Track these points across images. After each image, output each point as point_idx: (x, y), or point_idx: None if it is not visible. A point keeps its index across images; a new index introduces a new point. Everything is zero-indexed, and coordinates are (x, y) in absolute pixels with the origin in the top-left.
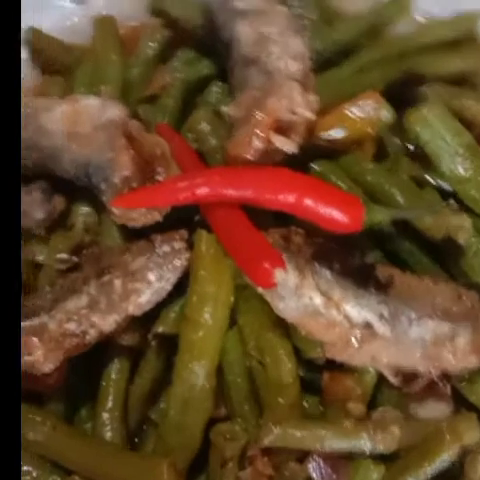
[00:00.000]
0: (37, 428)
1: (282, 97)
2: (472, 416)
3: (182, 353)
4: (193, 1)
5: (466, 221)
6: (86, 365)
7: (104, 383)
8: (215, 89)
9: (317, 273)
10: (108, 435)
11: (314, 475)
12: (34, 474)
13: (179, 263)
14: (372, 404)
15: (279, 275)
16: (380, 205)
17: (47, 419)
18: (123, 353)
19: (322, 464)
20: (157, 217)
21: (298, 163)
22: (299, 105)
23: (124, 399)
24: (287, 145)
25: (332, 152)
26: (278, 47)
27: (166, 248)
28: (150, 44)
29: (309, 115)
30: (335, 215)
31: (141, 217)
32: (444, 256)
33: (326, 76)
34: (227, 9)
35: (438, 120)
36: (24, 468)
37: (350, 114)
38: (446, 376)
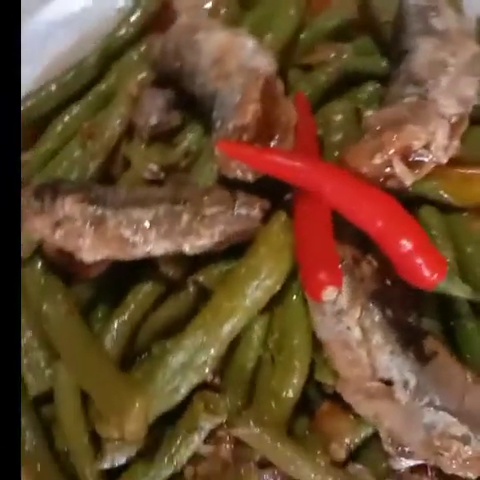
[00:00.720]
0: (53, 304)
1: (425, 130)
2: None
3: (207, 311)
4: None
5: None
6: (122, 275)
7: (129, 298)
8: (370, 89)
9: (368, 310)
10: (109, 344)
11: None
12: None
13: (247, 229)
14: (355, 454)
15: (330, 293)
16: (466, 280)
17: (66, 301)
18: (159, 280)
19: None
20: (249, 177)
21: (406, 200)
22: (438, 145)
23: (139, 321)
24: (406, 176)
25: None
26: (449, 80)
27: (243, 210)
28: (333, 17)
29: (443, 159)
30: (415, 264)
31: (236, 169)
32: None
33: None
34: (421, 20)
35: None
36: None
37: None
38: (439, 471)
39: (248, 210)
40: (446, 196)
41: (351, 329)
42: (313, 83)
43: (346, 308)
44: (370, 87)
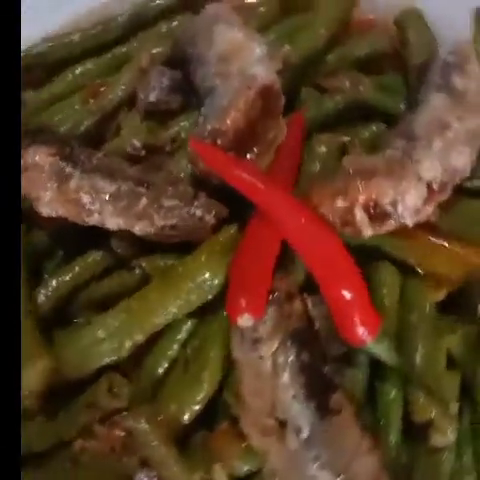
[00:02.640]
0: None
1: (395, 187)
2: None
3: (136, 297)
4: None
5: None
6: (80, 237)
7: (77, 261)
8: (373, 129)
9: (285, 347)
10: (41, 298)
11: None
12: None
13: (197, 231)
14: None
15: (245, 320)
16: (400, 348)
17: None
18: (109, 253)
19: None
20: (214, 181)
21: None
22: (406, 206)
23: (79, 286)
24: (365, 227)
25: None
26: (442, 145)
27: (199, 212)
28: (363, 46)
29: (408, 221)
30: (348, 316)
31: (204, 169)
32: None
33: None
34: (443, 75)
35: None
36: None
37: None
38: None
39: (203, 213)
40: (410, 259)
41: (263, 360)
42: (320, 107)
43: (264, 338)
44: (374, 127)
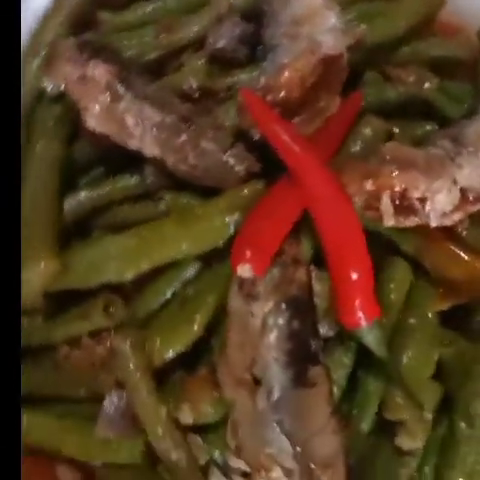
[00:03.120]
0: (46, 145)
1: (428, 184)
2: None
3: (150, 226)
4: None
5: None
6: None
7: (109, 181)
8: (427, 128)
9: (278, 310)
10: (67, 206)
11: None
12: None
13: (226, 179)
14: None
15: (245, 270)
16: (389, 345)
17: (57, 152)
18: (140, 181)
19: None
20: (255, 134)
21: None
22: (434, 206)
23: (103, 199)
24: (387, 216)
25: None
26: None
27: (231, 161)
28: (438, 46)
29: (433, 222)
30: (350, 296)
31: (248, 122)
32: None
33: None
34: None
35: None
36: None
37: None
38: None
39: (235, 162)
40: (425, 261)
41: (254, 317)
42: (381, 93)
43: (260, 296)
44: (428, 126)
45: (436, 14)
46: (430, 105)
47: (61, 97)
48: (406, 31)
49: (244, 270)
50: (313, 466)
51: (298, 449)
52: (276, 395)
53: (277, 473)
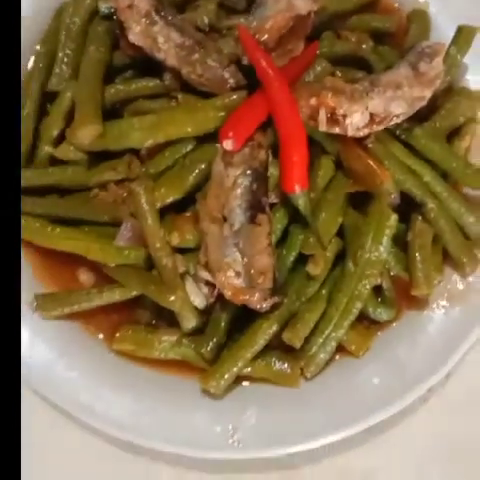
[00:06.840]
0: (96, 48)
1: (351, 108)
2: None
3: (173, 109)
4: None
5: (320, 268)
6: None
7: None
8: (360, 75)
9: (244, 175)
10: (109, 92)
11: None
12: None
13: (219, 87)
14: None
15: (227, 144)
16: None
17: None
18: (160, 80)
19: (132, 226)
20: (244, 60)
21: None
22: (351, 123)
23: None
24: (321, 125)
25: None
26: (390, 96)
27: (226, 74)
28: (378, 20)
29: (349, 133)
30: (292, 168)
31: (242, 51)
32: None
33: None
34: None
35: None
36: None
37: None
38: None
39: (229, 76)
40: (342, 159)
41: (228, 177)
42: (332, 46)
43: (234, 164)
44: (360, 74)
45: None
46: (364, 60)
47: (110, 16)
48: (356, 6)
49: (227, 144)
50: (252, 272)
51: (246, 260)
52: (236, 227)
53: (230, 273)
